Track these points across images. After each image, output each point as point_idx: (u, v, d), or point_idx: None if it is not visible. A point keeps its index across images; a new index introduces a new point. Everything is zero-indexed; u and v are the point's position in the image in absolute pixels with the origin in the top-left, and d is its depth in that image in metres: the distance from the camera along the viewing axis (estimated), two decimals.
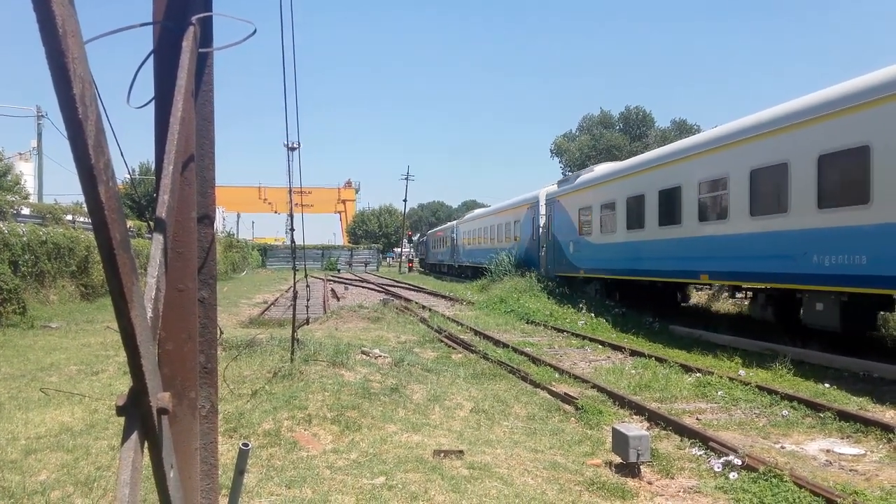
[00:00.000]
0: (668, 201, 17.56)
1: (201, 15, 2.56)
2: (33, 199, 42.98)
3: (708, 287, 22.71)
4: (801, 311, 13.28)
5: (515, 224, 33.76)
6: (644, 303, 20.21)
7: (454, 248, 53.32)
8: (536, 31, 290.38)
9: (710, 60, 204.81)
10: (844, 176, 11.70)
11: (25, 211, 26.55)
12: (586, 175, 24.41)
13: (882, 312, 13.62)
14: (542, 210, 28.75)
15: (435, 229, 73.53)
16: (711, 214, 15.79)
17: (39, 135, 46.01)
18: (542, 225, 28.81)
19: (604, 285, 22.64)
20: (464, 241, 49.25)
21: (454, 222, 57.69)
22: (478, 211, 50.75)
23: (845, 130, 11.53)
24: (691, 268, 16.44)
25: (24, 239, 20.00)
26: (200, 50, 2.63)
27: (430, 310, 22.87)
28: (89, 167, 1.42)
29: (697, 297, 24.99)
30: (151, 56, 2.58)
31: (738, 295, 18.40)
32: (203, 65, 2.73)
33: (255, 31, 2.76)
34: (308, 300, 11.59)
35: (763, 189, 13.89)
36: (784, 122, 13.23)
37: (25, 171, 56.34)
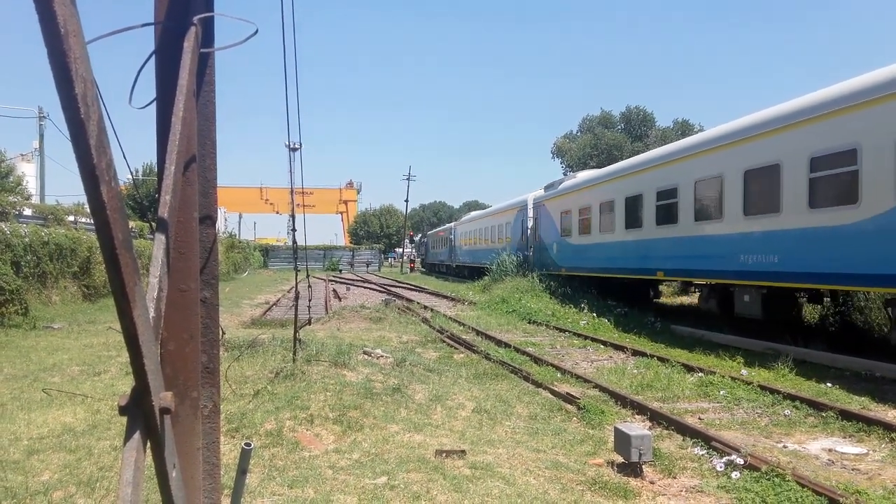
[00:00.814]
0: (632, 207, 19.84)
1: (203, 15, 2.56)
2: (35, 199, 43.03)
3: (668, 283, 24.92)
4: (735, 302, 15.37)
5: (507, 226, 35.79)
6: (619, 297, 21.90)
7: (452, 249, 55.44)
8: (539, 31, 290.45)
9: (711, 61, 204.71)
10: (763, 189, 13.96)
11: (27, 212, 26.58)
12: (568, 181, 26.54)
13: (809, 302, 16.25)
14: (531, 213, 30.97)
15: (434, 230, 75.48)
16: (665, 219, 17.87)
17: (41, 136, 46.10)
18: (529, 227, 30.98)
19: (582, 282, 24.13)
20: (461, 242, 51.36)
21: (452, 224, 59.69)
22: (473, 213, 52.43)
23: (760, 153, 14.09)
24: (651, 266, 18.77)
25: (27, 240, 20.03)
26: (202, 50, 2.64)
27: (431, 310, 22.87)
28: (91, 167, 1.42)
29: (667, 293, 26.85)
30: (153, 56, 2.59)
31: (691, 289, 20.30)
32: (204, 65, 2.73)
33: (256, 32, 2.76)
34: (310, 300, 11.59)
35: (705, 198, 16.13)
36: (718, 143, 15.77)
37: (27, 171, 56.39)
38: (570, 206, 25.28)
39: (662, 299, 26.32)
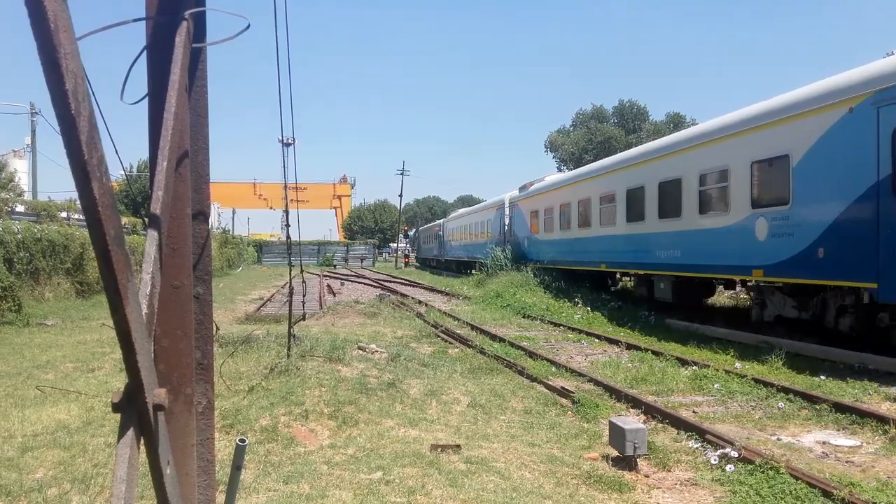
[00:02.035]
0: (584, 209, 23.39)
1: (194, 10, 2.55)
2: (27, 196, 42.85)
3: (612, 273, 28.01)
4: (654, 289, 18.58)
5: (489, 223, 39.33)
6: (583, 285, 24.07)
7: (441, 244, 59.27)
8: (531, 24, 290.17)
9: (704, 53, 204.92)
10: (671, 199, 17.32)
11: (20, 208, 26.48)
12: (537, 184, 29.84)
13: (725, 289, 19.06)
14: (507, 212, 34.59)
15: (425, 227, 78.47)
16: (607, 221, 21.36)
17: (33, 132, 45.89)
18: (506, 224, 34.63)
19: (548, 273, 26.53)
20: (449, 238, 55.05)
21: (441, 221, 64.01)
22: (461, 211, 56.62)
23: (669, 169, 17.40)
24: (596, 259, 22.34)
25: (19, 236, 19.95)
26: (194, 45, 2.62)
27: (426, 305, 22.89)
28: (82, 163, 1.41)
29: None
30: (144, 52, 2.57)
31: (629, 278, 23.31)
32: (196, 60, 2.72)
33: (248, 26, 2.75)
34: (304, 296, 11.55)
35: (633, 204, 19.44)
36: (643, 158, 19.21)
37: (20, 168, 56.12)
38: (537, 206, 28.88)
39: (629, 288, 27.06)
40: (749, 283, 15.13)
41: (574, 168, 45.08)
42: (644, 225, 18.59)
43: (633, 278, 21.29)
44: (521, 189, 32.14)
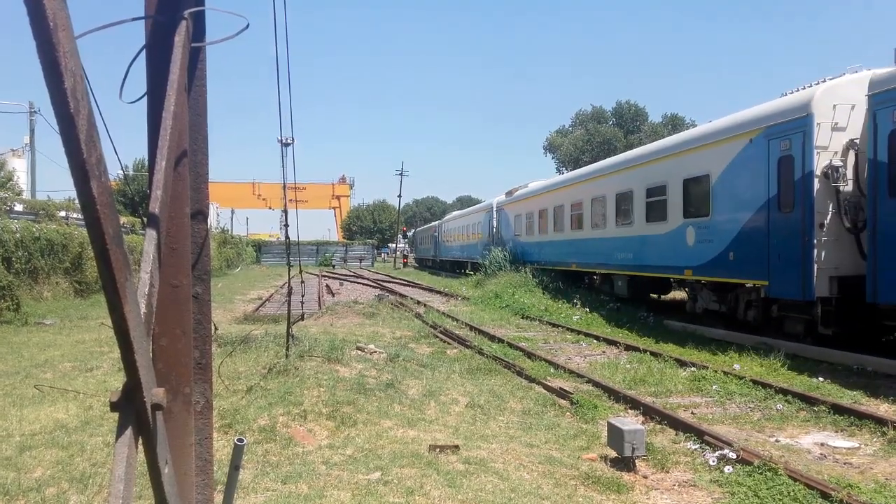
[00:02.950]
0: (559, 215, 25.92)
1: (193, 9, 2.55)
2: (26, 195, 42.77)
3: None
4: (614, 286, 21.25)
5: (479, 225, 41.82)
6: (565, 283, 25.83)
7: (436, 245, 62.27)
8: (533, 26, 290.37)
9: (703, 54, 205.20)
10: (625, 208, 19.95)
11: (18, 207, 26.41)
12: (521, 191, 32.34)
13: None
14: (495, 215, 37.18)
15: (421, 228, 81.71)
16: (577, 226, 24.07)
17: (32, 131, 45.80)
18: (494, 227, 37.15)
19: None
20: (444, 239, 57.90)
21: (437, 222, 66.54)
22: (454, 213, 58.85)
23: (623, 183, 20.14)
24: (568, 259, 24.86)
25: (18, 235, 19.92)
26: (193, 44, 2.62)
27: (425, 305, 22.88)
28: (81, 162, 1.41)
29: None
30: (144, 51, 2.57)
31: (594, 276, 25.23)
32: (195, 59, 2.72)
33: (247, 26, 2.74)
34: (303, 296, 11.56)
35: (597, 211, 22.15)
36: (604, 171, 22.05)
37: (18, 167, 55.97)
38: (520, 210, 31.66)
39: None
40: (684, 281, 17.72)
41: (573, 169, 45.76)
42: (605, 231, 21.42)
43: (598, 277, 23.57)
44: (508, 194, 34.81)
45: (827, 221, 12.14)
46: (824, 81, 12.93)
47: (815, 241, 12.08)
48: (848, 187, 12.16)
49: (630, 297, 20.31)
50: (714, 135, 15.52)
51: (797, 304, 12.80)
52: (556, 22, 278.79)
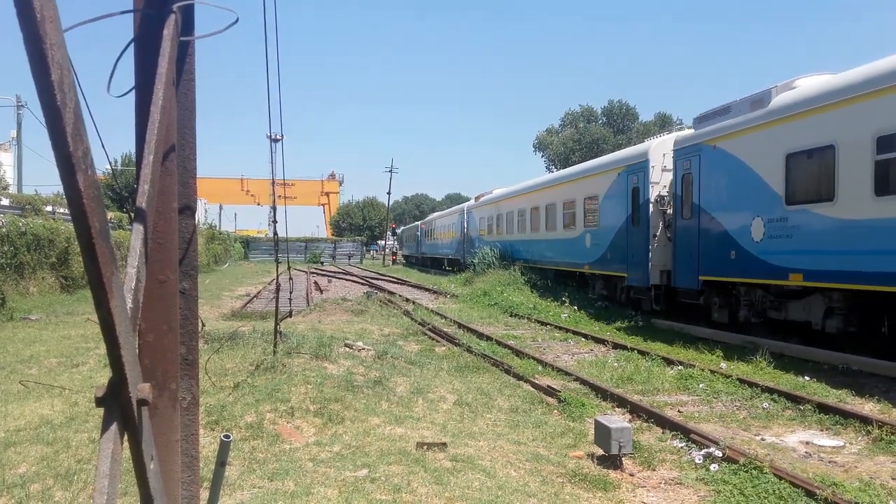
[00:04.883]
0: (509, 219, 31.74)
1: (182, 3, 2.53)
2: (13, 189, 42.46)
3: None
4: (547, 277, 25.98)
5: (453, 226, 47.03)
6: (569, 285, 27.80)
7: (418, 243, 67.12)
8: (522, 24, 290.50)
9: (694, 54, 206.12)
10: (551, 217, 25.66)
11: (5, 201, 26.24)
12: (485, 197, 38.14)
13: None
14: (465, 217, 42.66)
15: (407, 227, 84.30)
16: (521, 229, 29.54)
17: (19, 124, 45.49)
18: (465, 228, 42.67)
19: (535, 272, 31.28)
20: (425, 238, 62.83)
21: (419, 222, 71.18)
22: (435, 214, 63.89)
23: (550, 197, 25.89)
24: (518, 256, 29.47)
25: (3, 230, 19.76)
26: (181, 38, 2.60)
27: (413, 303, 22.88)
28: (68, 155, 1.40)
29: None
30: (132, 44, 2.55)
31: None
32: (184, 53, 2.70)
33: (237, 20, 2.73)
34: (291, 293, 11.55)
35: (534, 218, 27.66)
36: (538, 187, 27.73)
37: (5, 161, 55.50)
38: (483, 214, 37.66)
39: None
40: (584, 273, 23.09)
41: (563, 167, 46.61)
42: (539, 234, 27.14)
43: (538, 270, 27.37)
44: (476, 199, 41.00)
45: (658, 233, 17.75)
46: (660, 136, 19.93)
47: (651, 247, 17.67)
48: (669, 211, 17.46)
49: (556, 285, 25.03)
50: (603, 167, 21.63)
51: (643, 290, 18.20)
52: (548, 21, 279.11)
